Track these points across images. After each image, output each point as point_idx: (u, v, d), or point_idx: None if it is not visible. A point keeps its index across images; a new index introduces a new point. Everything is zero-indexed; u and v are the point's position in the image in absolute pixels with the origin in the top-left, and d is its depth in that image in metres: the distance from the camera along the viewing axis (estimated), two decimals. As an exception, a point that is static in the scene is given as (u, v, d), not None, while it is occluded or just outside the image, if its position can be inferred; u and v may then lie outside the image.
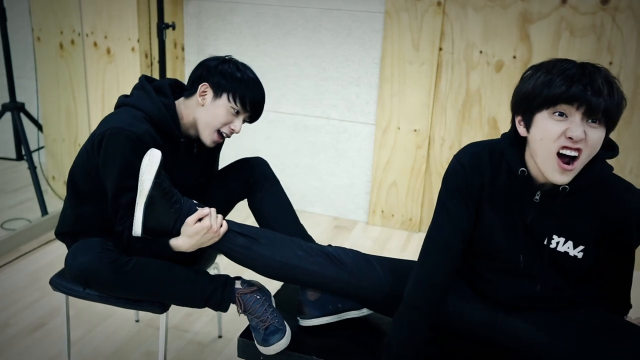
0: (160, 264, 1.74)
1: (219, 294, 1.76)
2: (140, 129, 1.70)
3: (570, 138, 1.31)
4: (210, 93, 1.79)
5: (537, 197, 1.46)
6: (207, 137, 1.83)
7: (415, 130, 3.27)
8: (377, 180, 3.44)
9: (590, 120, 1.32)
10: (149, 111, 1.76)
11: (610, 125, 1.35)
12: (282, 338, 1.65)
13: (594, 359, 1.46)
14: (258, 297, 1.75)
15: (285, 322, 1.70)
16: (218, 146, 2.01)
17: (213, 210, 1.70)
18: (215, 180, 2.09)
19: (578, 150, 1.32)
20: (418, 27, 3.11)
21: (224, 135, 1.85)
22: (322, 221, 3.54)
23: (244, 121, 1.85)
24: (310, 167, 3.60)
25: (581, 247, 1.47)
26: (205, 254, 2.00)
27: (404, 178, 3.38)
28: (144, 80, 1.84)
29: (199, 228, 1.65)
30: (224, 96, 1.78)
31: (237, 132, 1.84)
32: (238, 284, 1.79)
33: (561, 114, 1.32)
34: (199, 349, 2.33)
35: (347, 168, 3.52)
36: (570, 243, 1.47)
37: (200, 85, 1.80)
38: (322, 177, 3.59)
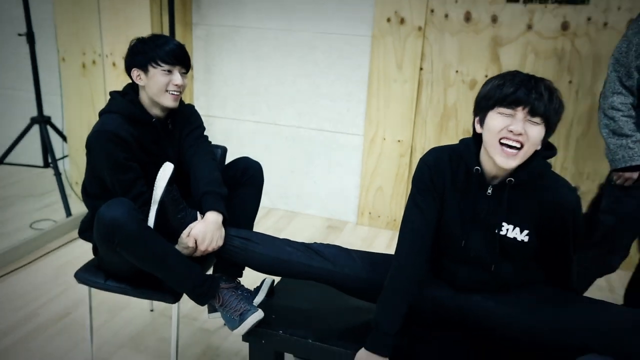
0: (171, 245, 1.77)
1: (208, 284, 1.79)
2: (111, 126, 1.79)
3: (511, 131, 1.40)
4: (141, 73, 1.85)
5: (489, 191, 1.52)
6: (164, 101, 1.86)
7: (399, 141, 3.30)
8: (365, 186, 3.46)
9: (531, 119, 1.40)
10: (119, 109, 1.84)
11: (549, 127, 1.43)
12: (254, 312, 1.71)
13: (549, 321, 1.51)
14: (235, 293, 1.80)
15: (259, 308, 1.74)
16: (187, 116, 2.03)
17: (208, 233, 1.74)
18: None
19: (520, 142, 1.40)
20: (401, 49, 3.14)
21: (173, 92, 1.86)
22: (316, 222, 3.55)
23: (181, 73, 1.87)
24: (305, 173, 3.62)
25: (526, 232, 1.52)
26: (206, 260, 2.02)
27: (389, 183, 3.40)
28: (113, 92, 1.92)
29: (184, 244, 1.76)
30: (149, 67, 1.83)
31: (181, 84, 1.86)
32: (223, 284, 1.83)
33: (506, 112, 1.41)
34: (207, 335, 2.35)
35: (339, 174, 3.54)
36: (517, 229, 1.52)
37: (131, 73, 1.87)
38: (316, 182, 3.61)
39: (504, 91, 1.41)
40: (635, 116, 1.91)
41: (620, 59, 1.92)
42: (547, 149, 1.49)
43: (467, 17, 3.00)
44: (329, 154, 3.53)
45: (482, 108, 1.48)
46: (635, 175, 1.92)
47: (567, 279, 1.63)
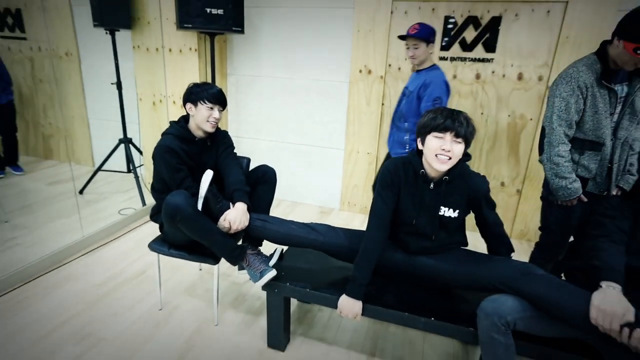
0: (214, 224, 1.76)
1: (238, 250, 1.79)
2: (167, 142, 1.80)
3: (443, 149, 1.43)
4: (192, 106, 1.85)
5: (432, 186, 1.53)
6: (205, 127, 1.86)
7: (368, 153, 3.29)
8: (345, 184, 3.44)
9: (455, 140, 1.43)
10: (173, 131, 1.86)
11: (467, 144, 1.46)
12: (270, 271, 1.71)
13: (470, 271, 1.54)
14: (257, 257, 1.79)
15: (273, 268, 1.74)
16: (222, 138, 1.98)
17: (237, 217, 1.74)
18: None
19: (449, 156, 1.44)
20: (369, 90, 3.13)
21: (212, 122, 1.85)
22: (311, 208, 3.54)
23: (219, 110, 1.86)
24: (304, 176, 3.59)
25: (457, 211, 1.55)
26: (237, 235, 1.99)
27: (362, 182, 3.39)
28: (172, 121, 1.91)
29: (222, 225, 1.74)
30: (198, 103, 1.83)
31: (218, 118, 1.85)
32: (249, 251, 1.82)
33: (439, 136, 1.44)
34: (238, 286, 2.34)
35: (327, 176, 3.52)
36: (451, 210, 1.55)
37: (185, 105, 1.87)
38: (312, 181, 3.59)
39: (437, 121, 1.43)
40: (572, 159, 1.76)
41: (561, 115, 1.70)
42: (465, 156, 1.52)
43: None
44: (320, 162, 3.51)
45: (422, 133, 1.49)
46: (575, 200, 1.78)
47: (501, 233, 1.61)
